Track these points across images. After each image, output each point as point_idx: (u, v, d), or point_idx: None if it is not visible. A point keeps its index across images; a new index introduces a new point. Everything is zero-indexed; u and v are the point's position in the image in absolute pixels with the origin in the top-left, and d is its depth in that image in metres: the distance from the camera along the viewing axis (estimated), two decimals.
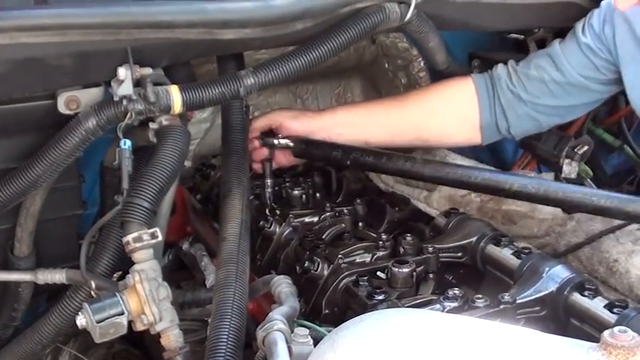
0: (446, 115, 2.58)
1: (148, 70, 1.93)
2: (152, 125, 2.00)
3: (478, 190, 2.35)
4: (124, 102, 1.89)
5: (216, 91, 2.01)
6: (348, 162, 2.47)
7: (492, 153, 3.18)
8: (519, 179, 2.18)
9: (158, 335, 1.88)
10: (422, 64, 2.98)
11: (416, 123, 2.57)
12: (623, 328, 1.22)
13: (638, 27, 2.24)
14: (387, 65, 3.09)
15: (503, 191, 2.19)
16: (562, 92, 2.46)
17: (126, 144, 1.92)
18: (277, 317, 1.65)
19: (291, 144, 2.56)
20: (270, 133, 2.59)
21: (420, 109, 2.59)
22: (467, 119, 2.57)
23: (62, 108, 1.95)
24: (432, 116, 2.57)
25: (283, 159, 2.62)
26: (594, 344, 1.24)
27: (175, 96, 1.95)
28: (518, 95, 2.50)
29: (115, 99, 1.90)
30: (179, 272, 2.57)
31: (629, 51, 2.31)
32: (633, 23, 2.27)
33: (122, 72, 1.88)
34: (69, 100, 1.95)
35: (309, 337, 1.59)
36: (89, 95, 1.97)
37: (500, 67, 2.57)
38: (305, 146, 2.55)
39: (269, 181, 2.51)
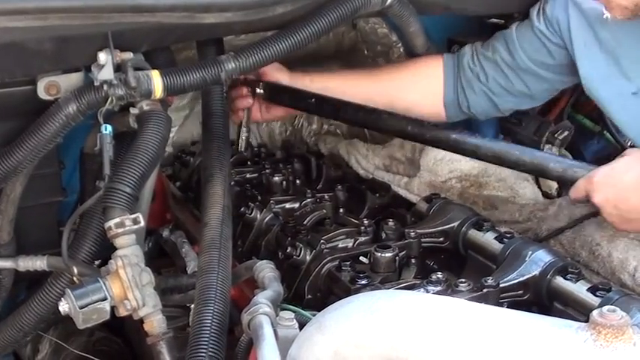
0: (413, 88, 2.66)
1: (128, 55, 1.92)
2: (133, 110, 1.99)
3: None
4: (105, 87, 1.88)
5: (197, 75, 2.00)
6: (320, 110, 2.59)
7: None
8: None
9: (139, 322, 1.87)
10: (401, 49, 2.98)
11: (386, 93, 2.63)
12: (612, 307, 1.22)
13: (591, 15, 2.27)
14: (366, 51, 3.08)
15: None
16: (514, 76, 2.52)
17: (107, 129, 1.90)
18: (262, 301, 1.65)
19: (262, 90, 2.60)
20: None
21: (390, 80, 2.66)
22: (432, 94, 2.64)
23: (42, 93, 1.93)
24: (401, 88, 2.64)
25: (258, 114, 2.65)
26: (583, 324, 1.24)
27: (156, 81, 1.93)
28: (477, 74, 2.56)
29: (95, 84, 1.89)
30: (159, 259, 2.56)
31: (584, 39, 2.34)
32: (586, 11, 2.30)
33: (103, 57, 1.86)
34: (49, 86, 1.93)
35: (295, 320, 1.59)
36: (69, 80, 1.95)
37: (467, 46, 2.64)
38: (277, 92, 2.59)
39: (245, 129, 2.58)
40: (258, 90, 2.57)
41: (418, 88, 2.64)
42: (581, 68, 2.37)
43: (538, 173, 2.25)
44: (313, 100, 2.51)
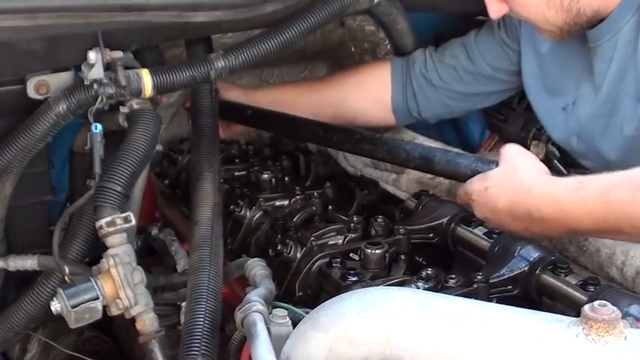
0: (360, 95, 2.71)
1: (118, 54, 1.92)
2: (123, 109, 1.99)
3: None
4: (95, 86, 1.88)
5: (187, 74, 2.00)
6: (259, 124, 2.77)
7: (458, 135, 3.18)
8: None
9: (130, 320, 1.87)
10: (388, 47, 2.97)
11: (333, 102, 2.69)
12: (603, 302, 1.22)
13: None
14: (353, 49, 3.08)
15: None
16: (472, 80, 2.58)
17: (97, 128, 1.91)
18: (255, 299, 1.65)
19: None
20: None
21: (337, 89, 2.72)
22: (380, 100, 2.70)
23: (32, 93, 1.93)
24: (348, 96, 2.70)
25: (220, 132, 2.64)
26: (575, 319, 1.24)
27: (146, 79, 1.94)
28: (430, 80, 2.61)
29: (85, 83, 1.89)
30: (148, 258, 2.55)
31: (527, 51, 2.43)
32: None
33: (92, 56, 1.87)
34: (39, 85, 1.93)
35: (288, 318, 1.60)
36: (59, 80, 1.95)
37: (418, 51, 2.68)
38: (224, 110, 2.62)
39: None
40: None
41: (365, 95, 2.70)
42: (523, 78, 2.47)
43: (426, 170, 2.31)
44: (250, 112, 2.66)
